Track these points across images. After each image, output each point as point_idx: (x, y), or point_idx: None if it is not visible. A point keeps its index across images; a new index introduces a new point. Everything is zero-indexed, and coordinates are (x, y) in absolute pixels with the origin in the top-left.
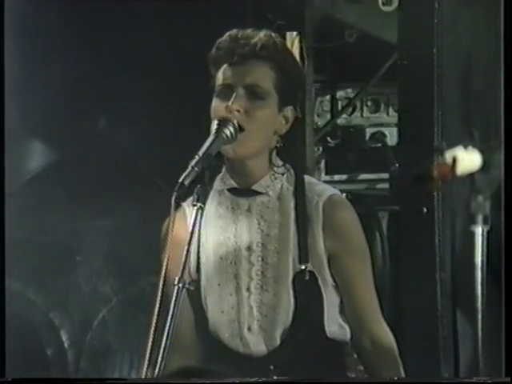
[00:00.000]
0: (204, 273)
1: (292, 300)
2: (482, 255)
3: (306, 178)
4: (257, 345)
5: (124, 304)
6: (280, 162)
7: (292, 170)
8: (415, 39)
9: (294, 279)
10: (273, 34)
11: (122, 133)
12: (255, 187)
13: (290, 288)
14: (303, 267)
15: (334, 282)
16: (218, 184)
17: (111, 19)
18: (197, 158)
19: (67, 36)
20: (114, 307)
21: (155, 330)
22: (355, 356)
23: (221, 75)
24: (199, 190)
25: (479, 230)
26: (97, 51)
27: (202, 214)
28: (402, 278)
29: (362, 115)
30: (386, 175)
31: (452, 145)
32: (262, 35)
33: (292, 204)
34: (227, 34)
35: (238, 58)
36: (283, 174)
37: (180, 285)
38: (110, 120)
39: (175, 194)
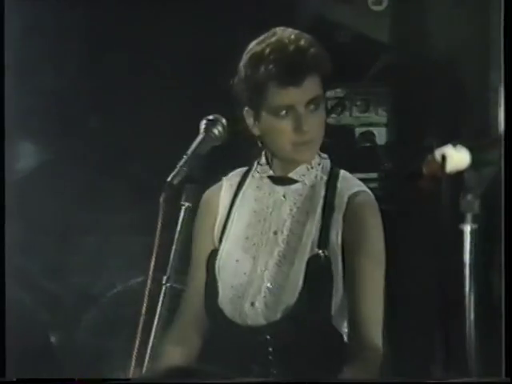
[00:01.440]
0: (225, 247)
1: (301, 281)
2: (471, 254)
3: (343, 172)
4: (255, 319)
5: (113, 303)
6: (319, 152)
7: (328, 161)
8: (405, 39)
9: (308, 261)
10: (311, 39)
11: (112, 132)
12: (292, 175)
13: (302, 269)
14: (320, 251)
15: (344, 276)
16: (257, 169)
17: (102, 17)
18: (185, 157)
19: (59, 35)
20: (103, 306)
21: (143, 330)
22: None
23: (276, 95)
24: (187, 189)
25: (468, 229)
26: (88, 51)
27: (189, 214)
28: (392, 277)
29: (351, 115)
30: (375, 174)
31: (441, 143)
32: (309, 48)
33: (322, 193)
34: (269, 48)
35: (295, 78)
36: (319, 164)
37: (168, 284)
38: (101, 119)
39: (164, 194)
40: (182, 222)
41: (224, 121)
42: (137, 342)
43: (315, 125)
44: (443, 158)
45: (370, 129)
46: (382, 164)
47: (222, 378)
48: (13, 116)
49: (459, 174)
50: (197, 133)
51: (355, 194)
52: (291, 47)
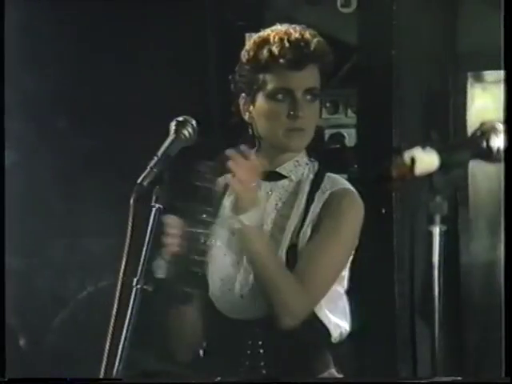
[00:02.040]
0: (216, 242)
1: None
2: (440, 255)
3: (330, 174)
4: (245, 312)
5: (83, 305)
6: (305, 153)
7: (317, 164)
8: (374, 41)
9: (287, 251)
10: (315, 33)
11: (82, 133)
12: (280, 170)
13: (283, 259)
14: (296, 240)
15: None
16: None
17: (75, 17)
18: (155, 158)
19: (26, 35)
20: (73, 309)
21: (113, 332)
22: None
23: (277, 78)
24: (158, 190)
25: (437, 230)
26: (57, 51)
27: (159, 215)
28: (359, 278)
29: (320, 116)
30: (344, 176)
31: (410, 145)
32: (313, 39)
33: (307, 189)
34: (275, 34)
35: (297, 63)
36: (307, 164)
37: (138, 286)
38: (70, 120)
39: (134, 195)
40: (153, 224)
41: (194, 122)
42: (107, 345)
43: (310, 114)
44: (412, 160)
45: (340, 130)
46: (352, 166)
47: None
48: None
49: (428, 176)
50: (167, 134)
51: (337, 190)
52: (296, 34)
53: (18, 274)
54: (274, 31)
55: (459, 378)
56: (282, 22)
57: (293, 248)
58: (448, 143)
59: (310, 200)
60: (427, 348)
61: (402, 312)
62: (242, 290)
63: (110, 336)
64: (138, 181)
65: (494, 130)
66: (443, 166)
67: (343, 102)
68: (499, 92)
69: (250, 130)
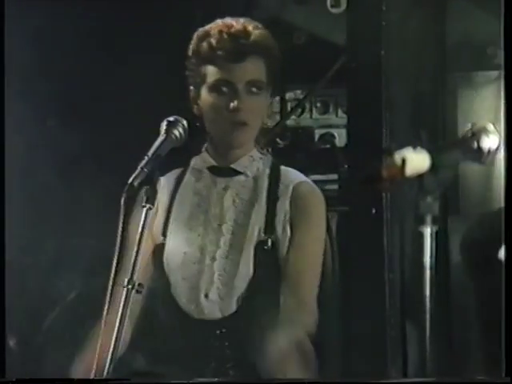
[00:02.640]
0: (170, 240)
1: (251, 269)
2: (431, 256)
3: (283, 167)
4: (211, 312)
5: (72, 306)
6: (260, 147)
7: (270, 157)
8: (363, 41)
9: (255, 248)
10: (260, 26)
11: (70, 132)
12: (234, 166)
13: (251, 257)
14: (266, 237)
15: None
16: (196, 162)
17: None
18: (146, 158)
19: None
20: (62, 310)
21: (104, 333)
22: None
23: (217, 71)
24: (148, 191)
25: (428, 231)
26: (46, 49)
27: (150, 215)
28: (350, 278)
29: (311, 116)
30: (335, 176)
31: (401, 146)
32: (255, 31)
33: (265, 184)
34: (216, 28)
35: (239, 56)
36: (261, 158)
37: (129, 286)
38: (59, 119)
39: (124, 195)
40: (144, 224)
41: (185, 122)
42: (98, 345)
43: (252, 108)
44: (403, 160)
45: (330, 130)
46: (342, 166)
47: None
48: None
49: (419, 176)
50: (157, 134)
51: (299, 184)
52: (237, 26)
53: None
54: (216, 24)
55: (458, 379)
56: (271, 22)
57: (261, 244)
58: (439, 144)
59: (271, 195)
60: (417, 348)
61: (392, 312)
62: (207, 289)
63: (100, 337)
64: (129, 181)
65: (484, 130)
66: (434, 166)
67: (333, 102)
68: (489, 93)
69: (199, 124)
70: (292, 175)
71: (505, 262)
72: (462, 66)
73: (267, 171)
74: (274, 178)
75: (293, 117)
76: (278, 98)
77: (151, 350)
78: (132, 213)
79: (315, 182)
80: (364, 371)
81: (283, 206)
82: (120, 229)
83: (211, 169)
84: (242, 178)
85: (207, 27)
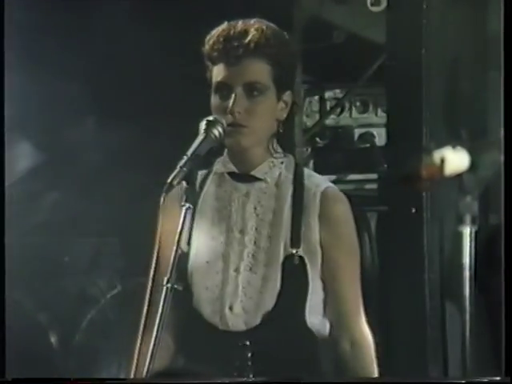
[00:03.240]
0: (194, 248)
1: (279, 283)
2: (470, 255)
3: (306, 170)
4: (236, 324)
5: (112, 305)
6: (280, 150)
7: (292, 159)
8: (403, 40)
9: (283, 262)
10: (263, 26)
11: (110, 133)
12: (254, 173)
13: (278, 271)
14: (294, 251)
15: (323, 274)
16: (218, 167)
17: (99, 18)
18: (185, 158)
19: (57, 36)
20: (103, 308)
21: (144, 331)
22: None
23: (218, 72)
24: (188, 190)
25: (467, 231)
26: (84, 51)
27: (191, 214)
28: (390, 278)
29: (350, 116)
30: (374, 176)
31: (440, 145)
32: (253, 32)
33: (290, 191)
34: (219, 30)
35: (233, 58)
36: (282, 163)
37: (169, 285)
38: (98, 120)
39: (164, 194)
40: (183, 223)
41: (224, 122)
42: (137, 344)
43: (252, 110)
44: (442, 160)
45: (370, 130)
46: (381, 165)
47: (211, 378)
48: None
49: (458, 176)
50: (195, 133)
51: (326, 192)
52: (239, 28)
53: (46, 273)
54: (222, 26)
55: (462, 380)
56: (310, 21)
57: (290, 260)
58: (478, 143)
59: (296, 203)
60: (458, 348)
61: (432, 312)
62: (231, 301)
63: (140, 336)
64: (168, 180)
65: None
66: (473, 165)
67: (373, 101)
68: None
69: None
70: (316, 179)
71: (504, 262)
72: (505, 62)
73: (290, 177)
74: (299, 183)
75: (332, 116)
76: (317, 98)
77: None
78: (171, 212)
79: (354, 181)
80: (404, 371)
81: (312, 220)
82: (159, 228)
83: (231, 174)
84: (262, 184)
85: (214, 30)
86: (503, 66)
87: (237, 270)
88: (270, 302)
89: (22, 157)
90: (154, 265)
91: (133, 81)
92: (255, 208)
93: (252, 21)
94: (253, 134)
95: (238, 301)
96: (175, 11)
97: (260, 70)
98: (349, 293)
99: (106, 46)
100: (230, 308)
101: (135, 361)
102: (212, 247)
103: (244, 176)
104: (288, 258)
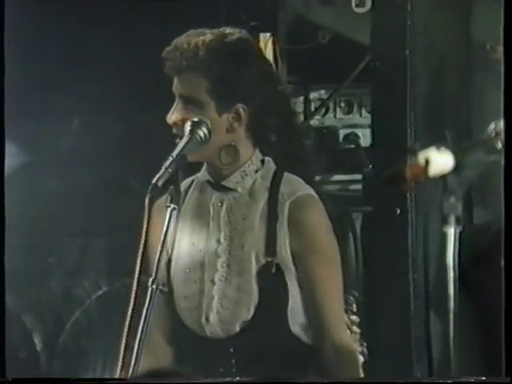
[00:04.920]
0: (175, 255)
1: (256, 294)
2: (454, 256)
3: (287, 175)
4: (214, 333)
5: (97, 306)
6: (257, 158)
7: (272, 165)
8: (388, 41)
9: (258, 272)
10: (214, 38)
11: (95, 134)
12: (224, 183)
13: (253, 282)
14: (269, 259)
15: (299, 282)
16: (200, 174)
17: (87, 19)
18: (170, 158)
19: (45, 36)
20: (87, 309)
21: (128, 332)
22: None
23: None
24: (172, 191)
25: (451, 231)
26: (71, 51)
27: (175, 215)
28: (375, 278)
29: (335, 116)
30: (359, 176)
31: (425, 146)
32: (200, 44)
33: (264, 199)
34: (174, 41)
35: (178, 69)
36: (257, 171)
37: (153, 286)
38: (83, 121)
39: (149, 195)
40: (168, 224)
41: (209, 122)
42: (122, 345)
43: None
44: (427, 161)
45: (354, 130)
46: (366, 166)
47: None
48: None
49: (442, 177)
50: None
51: (296, 200)
52: (192, 40)
53: (30, 274)
54: (184, 35)
55: (463, 379)
56: (295, 22)
57: (265, 269)
58: (462, 144)
59: (271, 212)
60: (442, 348)
61: (417, 313)
62: (208, 313)
63: (124, 337)
64: (153, 181)
65: None
66: (457, 166)
67: (358, 101)
68: None
69: None
70: (292, 187)
71: (504, 261)
72: (487, 65)
73: (267, 184)
74: (274, 191)
75: (317, 117)
76: (301, 98)
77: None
78: (156, 213)
79: (339, 182)
80: (389, 372)
81: (283, 229)
82: (144, 228)
83: (209, 182)
84: (235, 193)
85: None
86: (503, 66)
87: (212, 281)
88: (246, 312)
89: (6, 157)
90: (139, 265)
91: (118, 81)
92: (229, 217)
93: (209, 32)
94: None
95: (215, 312)
96: (163, 11)
97: (197, 85)
98: (328, 303)
99: (90, 47)
100: (207, 319)
101: (120, 362)
102: (192, 255)
103: (217, 185)
104: (264, 266)
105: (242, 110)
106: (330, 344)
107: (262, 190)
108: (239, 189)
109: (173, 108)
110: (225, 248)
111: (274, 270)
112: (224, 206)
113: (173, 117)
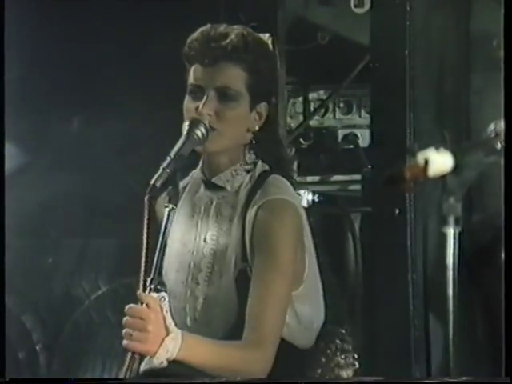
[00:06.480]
0: (167, 256)
1: (236, 298)
2: (454, 256)
3: (272, 178)
4: (200, 334)
5: (96, 306)
6: (250, 159)
7: (263, 167)
8: (387, 41)
9: (237, 277)
10: (245, 32)
11: (94, 134)
12: (215, 180)
13: (233, 285)
14: (244, 265)
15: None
16: (195, 172)
17: (87, 19)
18: (168, 159)
19: (45, 37)
20: (87, 309)
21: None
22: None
23: (192, 74)
24: (171, 191)
25: (451, 232)
26: (71, 52)
27: (173, 215)
28: (374, 278)
29: (334, 117)
30: (358, 177)
31: (424, 146)
32: (233, 36)
33: (242, 202)
34: (199, 31)
35: (209, 59)
36: (248, 172)
37: (152, 286)
38: (82, 121)
39: (148, 196)
40: (166, 224)
41: (207, 122)
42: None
43: (222, 115)
44: (426, 161)
45: (353, 131)
46: (365, 166)
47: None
48: None
49: (442, 177)
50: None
51: (264, 204)
52: (220, 31)
53: (30, 274)
54: (204, 28)
55: (463, 378)
56: (295, 22)
57: (242, 274)
58: (462, 144)
59: (243, 217)
60: (441, 348)
61: (416, 313)
62: (193, 313)
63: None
64: (152, 181)
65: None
66: (457, 167)
67: (357, 102)
68: None
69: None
70: (268, 190)
71: (504, 261)
72: (487, 65)
73: (249, 186)
74: (252, 194)
75: (316, 117)
76: (301, 99)
77: None
78: (156, 213)
79: (338, 182)
80: (388, 371)
81: (249, 234)
82: (145, 229)
83: (203, 180)
84: (224, 192)
85: (196, 31)
86: (503, 66)
87: (197, 281)
88: (227, 315)
89: (6, 157)
90: (143, 265)
91: (119, 81)
92: (217, 216)
93: (235, 26)
94: (220, 139)
95: (198, 313)
96: (163, 12)
97: (234, 76)
98: (267, 304)
99: (90, 47)
100: (193, 319)
101: (127, 361)
102: (181, 254)
103: (208, 183)
104: (240, 272)
105: (264, 110)
106: (257, 342)
107: (245, 192)
108: (228, 187)
109: (203, 100)
110: (210, 248)
111: (249, 275)
112: (213, 204)
113: (205, 109)
